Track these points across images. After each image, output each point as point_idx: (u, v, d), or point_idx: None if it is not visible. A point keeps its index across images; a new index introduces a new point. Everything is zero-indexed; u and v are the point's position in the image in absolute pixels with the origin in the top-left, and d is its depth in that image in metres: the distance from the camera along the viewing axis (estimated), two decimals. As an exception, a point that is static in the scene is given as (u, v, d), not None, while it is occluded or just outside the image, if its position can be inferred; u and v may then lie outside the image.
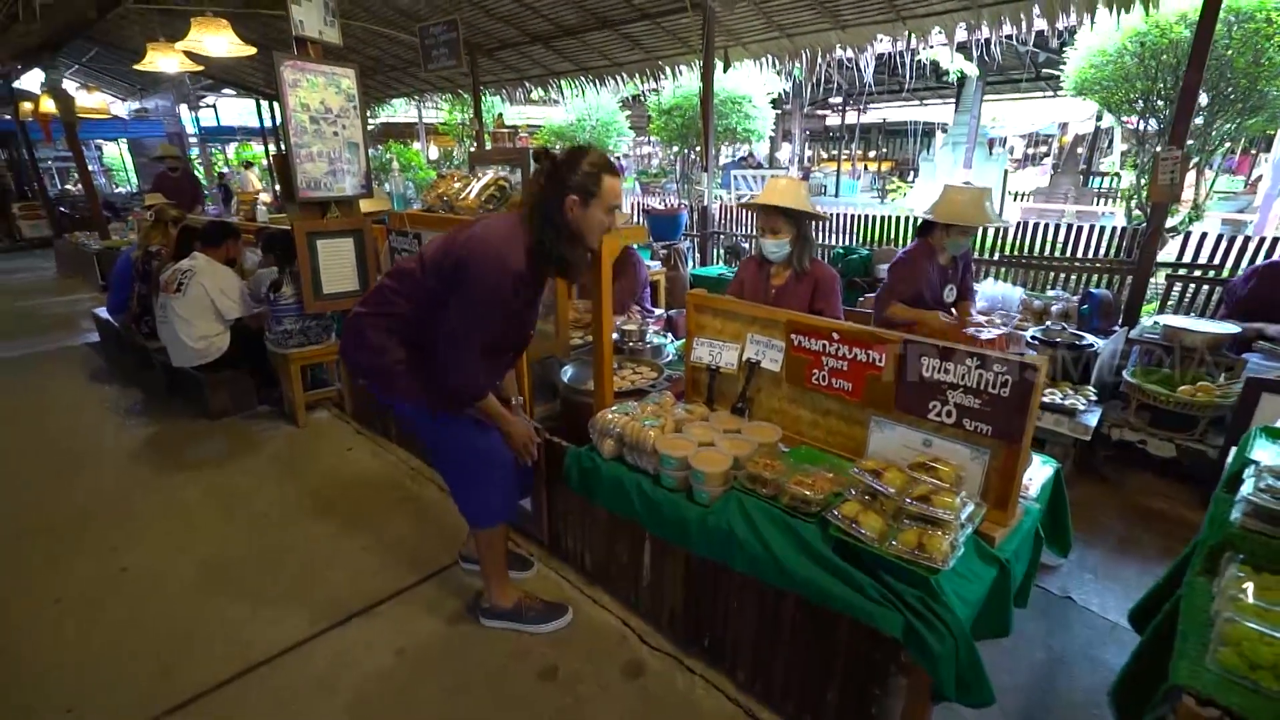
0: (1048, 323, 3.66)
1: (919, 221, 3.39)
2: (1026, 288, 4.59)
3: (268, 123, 11.94)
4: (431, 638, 2.16)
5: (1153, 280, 4.21)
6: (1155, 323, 3.34)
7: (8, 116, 10.18)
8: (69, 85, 8.68)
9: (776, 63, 5.82)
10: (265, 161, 14.18)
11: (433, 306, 1.78)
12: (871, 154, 25.63)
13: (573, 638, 2.14)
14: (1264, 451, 1.65)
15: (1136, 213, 5.69)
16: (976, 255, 5.22)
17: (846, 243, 6.21)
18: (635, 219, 8.26)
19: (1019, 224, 5.25)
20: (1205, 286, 4.28)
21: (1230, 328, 3.08)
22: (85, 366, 5.07)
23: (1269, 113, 5.10)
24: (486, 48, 7.28)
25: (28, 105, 8.73)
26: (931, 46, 5.03)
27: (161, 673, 2.03)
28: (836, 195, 17.51)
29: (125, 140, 17.04)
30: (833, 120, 23.12)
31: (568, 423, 2.58)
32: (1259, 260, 4.12)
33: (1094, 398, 3.01)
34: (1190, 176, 5.24)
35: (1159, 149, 3.72)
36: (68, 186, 16.38)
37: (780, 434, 2.05)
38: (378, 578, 2.46)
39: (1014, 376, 1.53)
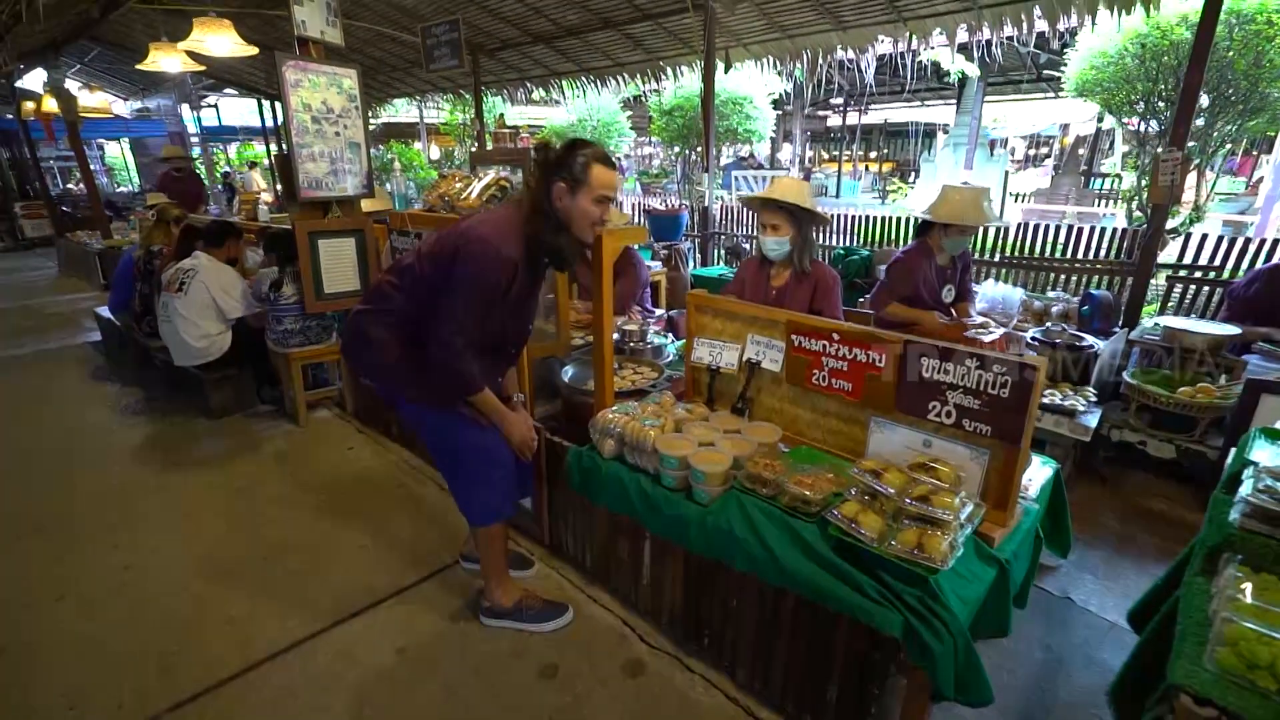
0: (1048, 324, 3.66)
1: (918, 221, 3.40)
2: (1027, 289, 4.58)
3: (269, 122, 11.96)
4: (432, 636, 2.17)
5: (1153, 282, 4.21)
6: (1155, 324, 3.34)
7: (10, 116, 10.20)
8: (71, 85, 8.68)
9: (777, 63, 5.83)
10: (267, 161, 14.21)
11: (431, 295, 1.79)
12: (872, 155, 25.63)
13: (573, 636, 2.15)
14: (1263, 452, 1.65)
15: (1137, 214, 5.69)
16: (976, 256, 5.22)
17: (847, 244, 6.21)
18: (636, 219, 8.28)
19: (1019, 225, 5.26)
20: (1206, 288, 4.28)
21: (1231, 329, 3.08)
22: (87, 365, 5.08)
23: (1270, 114, 5.10)
24: (488, 48, 7.29)
25: (30, 104, 8.73)
26: (932, 47, 5.04)
27: (163, 670, 2.04)
28: (837, 196, 17.50)
29: (127, 139, 17.07)
30: (834, 121, 23.13)
31: (568, 422, 2.58)
32: (1259, 262, 4.12)
33: (1094, 399, 3.01)
34: (1191, 178, 5.24)
35: (1160, 150, 3.72)
36: (70, 186, 16.40)
37: (780, 434, 2.06)
38: (378, 576, 2.47)
39: (1013, 377, 1.54)
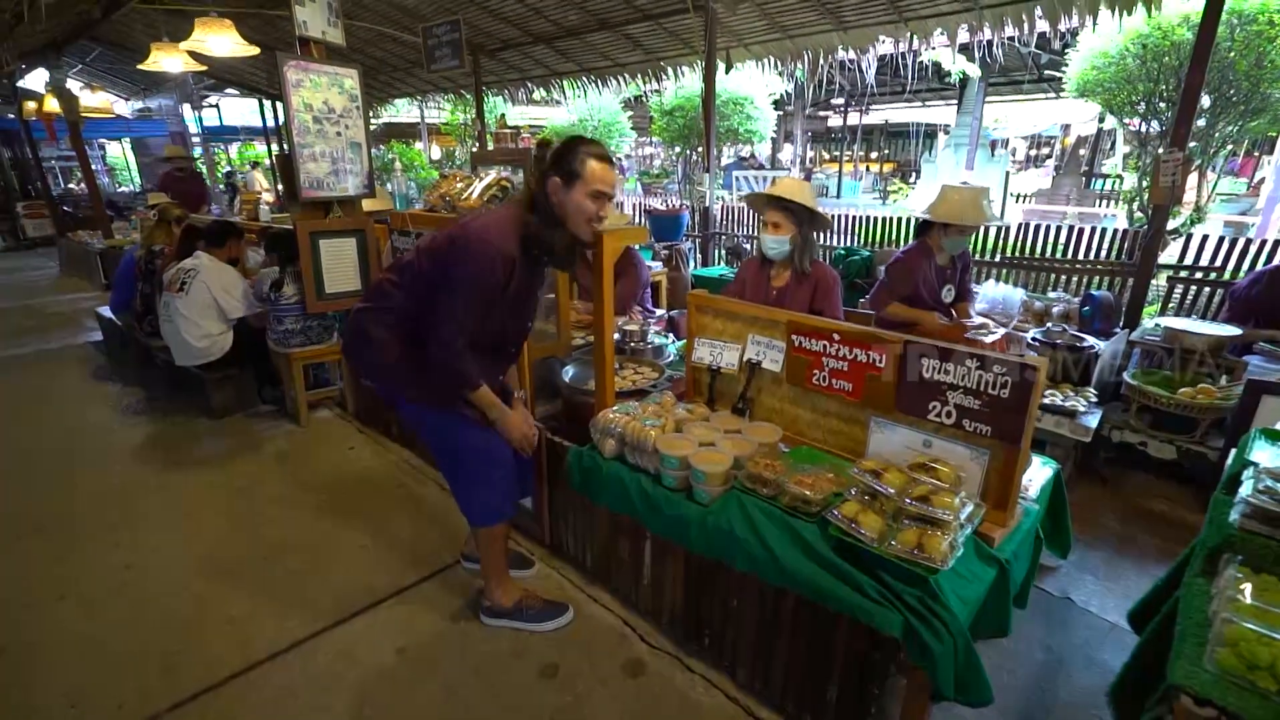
0: (1048, 324, 3.65)
1: (917, 221, 3.40)
2: (1027, 289, 4.58)
3: (271, 122, 11.97)
4: (432, 636, 2.17)
5: (1154, 282, 4.21)
6: (1156, 325, 3.34)
7: (12, 116, 10.21)
8: (73, 84, 8.69)
9: (778, 64, 5.82)
10: (268, 161, 14.22)
11: (429, 292, 1.80)
12: (873, 155, 25.63)
13: (573, 636, 2.15)
14: (1263, 453, 1.65)
15: (1138, 215, 5.69)
16: (977, 256, 5.22)
17: (847, 244, 6.21)
18: (637, 219, 8.28)
19: (1020, 225, 5.25)
20: (1207, 289, 4.28)
21: (1232, 330, 3.07)
22: (88, 365, 5.09)
23: (1271, 115, 5.09)
24: (489, 48, 7.29)
25: (32, 104, 8.75)
26: (933, 48, 5.03)
27: (164, 669, 2.04)
28: (838, 196, 17.50)
29: (129, 139, 17.08)
30: (834, 121, 23.13)
31: (569, 422, 2.58)
32: (1260, 263, 4.12)
33: (1094, 399, 3.01)
34: (1192, 179, 5.24)
35: (1161, 151, 3.72)
36: (71, 185, 16.44)
37: (781, 434, 2.06)
38: (379, 576, 2.47)
39: (1014, 377, 1.54)
